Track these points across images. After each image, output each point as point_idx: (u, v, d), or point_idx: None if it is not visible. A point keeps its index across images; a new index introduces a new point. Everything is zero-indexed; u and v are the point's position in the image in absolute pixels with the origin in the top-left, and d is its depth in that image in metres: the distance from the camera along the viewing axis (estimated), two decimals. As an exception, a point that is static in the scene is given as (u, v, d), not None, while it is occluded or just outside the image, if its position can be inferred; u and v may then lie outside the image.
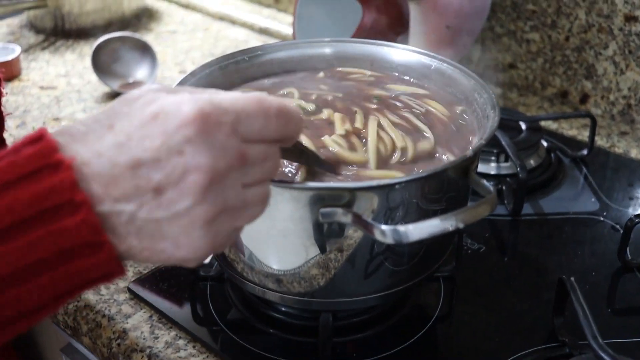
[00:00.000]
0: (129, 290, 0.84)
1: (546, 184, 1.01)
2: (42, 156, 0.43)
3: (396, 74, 0.85)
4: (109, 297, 0.84)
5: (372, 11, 1.08)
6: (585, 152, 1.06)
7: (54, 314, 0.83)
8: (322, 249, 0.65)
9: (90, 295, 0.84)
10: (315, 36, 1.16)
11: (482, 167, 1.01)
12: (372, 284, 0.71)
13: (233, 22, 1.67)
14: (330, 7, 1.15)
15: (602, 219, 0.94)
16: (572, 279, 0.73)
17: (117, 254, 0.45)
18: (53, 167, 0.43)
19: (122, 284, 0.85)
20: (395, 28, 1.13)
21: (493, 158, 1.00)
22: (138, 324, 0.80)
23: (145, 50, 1.37)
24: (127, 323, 0.80)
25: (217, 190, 0.46)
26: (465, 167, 0.66)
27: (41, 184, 0.43)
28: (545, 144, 1.07)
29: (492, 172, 1.00)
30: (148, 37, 1.58)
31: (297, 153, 0.64)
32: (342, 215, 0.61)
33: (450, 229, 0.58)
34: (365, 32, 1.08)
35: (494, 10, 1.26)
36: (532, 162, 1.03)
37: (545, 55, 1.24)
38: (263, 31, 1.61)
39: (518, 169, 0.92)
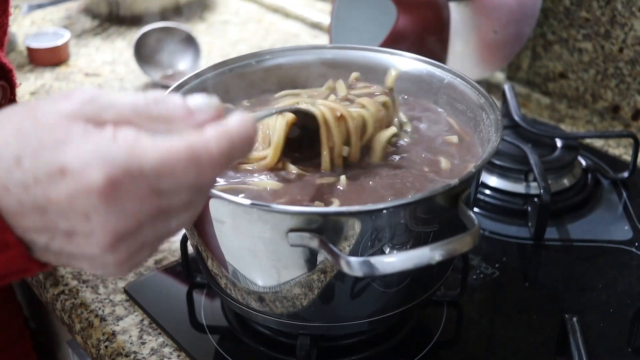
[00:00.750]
0: (125, 291, 0.83)
1: (578, 207, 0.95)
2: None
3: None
4: (105, 297, 0.83)
5: (408, 13, 1.03)
6: (626, 174, 0.99)
7: None
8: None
9: (87, 294, 0.83)
10: (351, 37, 1.13)
11: (509, 186, 0.95)
12: (361, 307, 0.67)
13: (287, 14, 1.64)
14: (366, 8, 1.11)
15: (634, 250, 0.87)
16: (575, 319, 0.68)
17: (27, 253, 0.45)
18: None
19: (120, 284, 0.84)
20: (432, 31, 1.07)
21: (521, 176, 0.94)
22: (128, 327, 0.79)
23: (189, 41, 1.36)
24: (118, 325, 0.79)
25: (128, 242, 0.44)
26: (454, 195, 0.61)
27: None
28: (583, 162, 1.01)
29: (520, 191, 0.95)
30: (200, 27, 1.57)
31: None
32: (309, 240, 0.57)
33: (424, 263, 0.54)
34: (399, 34, 1.03)
35: (546, 16, 1.19)
36: (565, 182, 0.96)
37: (597, 67, 1.16)
38: (315, 25, 1.57)
39: (541, 190, 0.86)
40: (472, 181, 0.63)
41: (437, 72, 0.77)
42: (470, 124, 0.75)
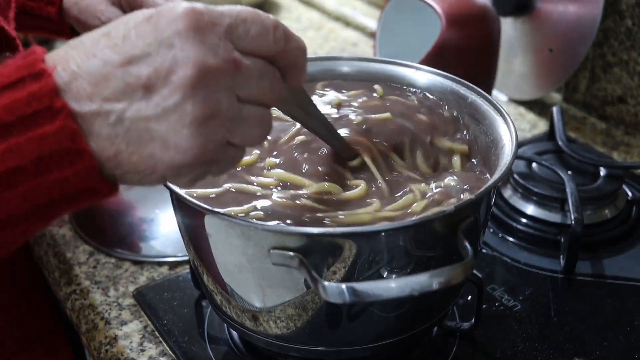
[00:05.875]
0: (134, 296, 0.82)
1: (617, 241, 0.88)
2: (26, 66, 0.44)
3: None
4: (114, 300, 0.82)
5: (453, 26, 0.99)
6: (675, 209, 0.92)
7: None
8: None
9: (97, 295, 0.83)
10: (396, 49, 1.10)
11: (545, 214, 0.90)
12: (357, 333, 0.64)
13: (347, 23, 1.62)
14: (413, 20, 1.07)
15: (674, 292, 0.81)
16: (585, 365, 0.62)
17: (98, 165, 0.45)
18: (35, 76, 0.44)
19: (131, 287, 0.84)
20: (479, 46, 1.03)
21: (557, 205, 0.89)
22: (131, 332, 0.78)
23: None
24: (121, 330, 0.78)
25: (207, 89, 0.45)
26: (453, 223, 0.57)
27: (21, 92, 0.44)
28: (629, 194, 0.94)
29: (556, 221, 0.89)
30: (259, 32, 1.56)
31: (301, 108, 0.61)
32: (289, 259, 0.55)
33: (404, 295, 0.51)
34: (443, 48, 1.00)
35: (607, 36, 1.12)
36: (607, 214, 0.90)
37: (658, 92, 1.09)
38: (373, 35, 1.54)
39: (572, 221, 0.81)
40: (472, 210, 0.59)
41: (462, 90, 0.73)
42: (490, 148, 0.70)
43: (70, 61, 0.45)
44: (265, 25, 0.48)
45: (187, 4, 0.46)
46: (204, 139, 0.46)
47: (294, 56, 0.51)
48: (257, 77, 0.48)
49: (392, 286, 0.51)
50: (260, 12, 0.48)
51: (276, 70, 0.50)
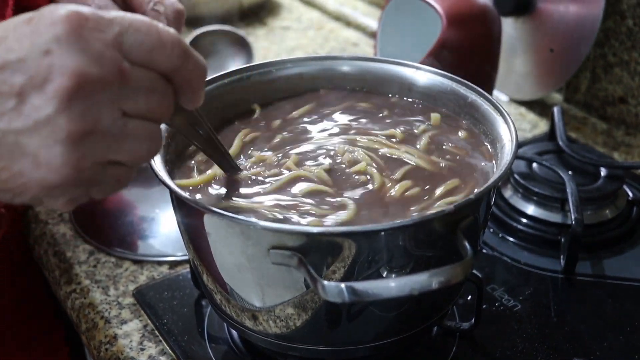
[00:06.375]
0: (134, 295, 0.82)
1: (617, 241, 0.88)
2: None
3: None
4: (114, 299, 0.82)
5: (454, 25, 0.99)
6: (676, 208, 0.92)
7: None
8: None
9: (97, 294, 0.83)
10: (396, 48, 1.09)
11: (545, 214, 0.90)
12: (357, 332, 0.64)
13: (348, 23, 1.62)
14: (413, 20, 1.07)
15: (675, 292, 0.81)
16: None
17: None
18: None
19: (131, 286, 0.83)
20: (480, 46, 1.03)
21: (558, 205, 0.89)
22: (131, 331, 0.78)
23: (243, 45, 1.35)
24: (121, 329, 0.78)
25: (85, 102, 0.42)
26: (453, 222, 0.57)
27: None
28: (630, 194, 0.94)
29: (556, 221, 0.89)
30: (260, 31, 1.56)
31: (197, 131, 0.59)
32: (289, 259, 0.55)
33: (403, 294, 0.51)
34: (444, 48, 0.99)
35: (608, 37, 1.12)
36: (607, 214, 0.90)
37: (659, 93, 1.09)
38: (374, 35, 1.54)
39: (572, 221, 0.80)
40: (471, 209, 0.59)
41: (462, 90, 0.73)
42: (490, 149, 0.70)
43: None
44: (161, 39, 0.44)
45: (72, 7, 0.42)
46: (80, 157, 0.42)
47: (191, 76, 0.47)
48: (146, 91, 0.44)
49: (391, 285, 0.51)
50: (160, 25, 0.45)
51: (169, 87, 0.47)
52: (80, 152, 0.42)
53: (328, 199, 0.63)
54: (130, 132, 0.44)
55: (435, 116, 0.74)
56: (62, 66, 0.41)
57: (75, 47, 0.41)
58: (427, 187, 0.65)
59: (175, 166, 0.68)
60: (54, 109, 0.41)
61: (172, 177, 0.64)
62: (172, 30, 0.45)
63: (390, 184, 0.65)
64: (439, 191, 0.64)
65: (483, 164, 0.68)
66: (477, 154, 0.69)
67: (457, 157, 0.69)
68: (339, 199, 0.63)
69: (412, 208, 0.62)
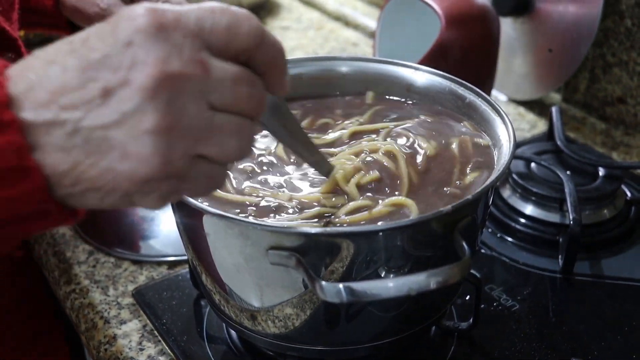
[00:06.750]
0: (133, 295, 0.82)
1: (616, 241, 0.88)
2: None
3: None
4: (113, 300, 0.82)
5: (452, 26, 0.99)
6: (674, 208, 0.92)
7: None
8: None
9: (96, 294, 0.83)
10: (395, 49, 1.09)
11: (543, 214, 0.90)
12: (355, 332, 0.64)
13: (347, 23, 1.62)
14: (413, 20, 1.07)
15: (673, 292, 0.81)
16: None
17: (47, 185, 0.42)
18: None
19: (130, 287, 0.84)
20: (479, 46, 1.03)
21: (556, 205, 0.89)
22: (130, 331, 0.78)
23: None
24: (120, 329, 0.78)
25: (171, 95, 0.42)
26: (450, 222, 0.57)
27: None
28: (628, 194, 0.94)
29: (554, 221, 0.89)
30: (259, 32, 1.56)
31: (281, 120, 0.55)
32: (287, 259, 0.55)
33: (402, 294, 0.51)
34: (443, 48, 1.00)
35: (607, 36, 1.12)
36: (605, 214, 0.90)
37: (657, 93, 1.09)
38: (374, 35, 1.54)
39: (570, 221, 0.81)
40: (469, 209, 0.59)
41: (460, 90, 0.73)
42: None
43: (29, 70, 0.42)
44: (236, 15, 0.44)
45: (149, 4, 0.43)
46: (167, 149, 0.42)
47: (273, 51, 0.47)
48: (232, 81, 0.44)
49: (389, 286, 0.51)
50: (232, 6, 0.45)
51: (257, 78, 0.46)
52: (167, 142, 0.42)
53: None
54: (218, 126, 0.44)
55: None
56: (145, 55, 0.41)
57: (157, 38, 0.42)
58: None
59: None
60: (140, 99, 0.41)
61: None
62: (246, 10, 0.46)
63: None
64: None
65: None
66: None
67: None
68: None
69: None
